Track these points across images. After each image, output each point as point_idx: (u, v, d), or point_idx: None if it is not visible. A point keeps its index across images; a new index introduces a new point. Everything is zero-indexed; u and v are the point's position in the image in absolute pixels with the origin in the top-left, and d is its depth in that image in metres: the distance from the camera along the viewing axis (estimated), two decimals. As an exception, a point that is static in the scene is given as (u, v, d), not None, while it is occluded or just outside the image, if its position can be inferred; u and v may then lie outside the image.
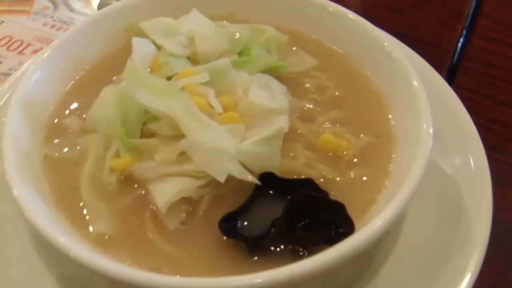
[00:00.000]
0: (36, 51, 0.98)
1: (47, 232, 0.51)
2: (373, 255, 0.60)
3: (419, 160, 0.55)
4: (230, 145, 0.56)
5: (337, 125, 0.65)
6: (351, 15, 0.73)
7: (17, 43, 0.99)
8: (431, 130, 0.57)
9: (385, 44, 0.67)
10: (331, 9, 0.75)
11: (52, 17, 1.04)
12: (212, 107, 0.61)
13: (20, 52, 0.98)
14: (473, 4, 1.06)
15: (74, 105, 0.68)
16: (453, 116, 0.70)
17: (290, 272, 0.47)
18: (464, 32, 1.02)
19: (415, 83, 0.61)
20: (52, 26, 1.02)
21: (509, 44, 1.01)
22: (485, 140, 0.69)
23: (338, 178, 0.60)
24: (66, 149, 0.63)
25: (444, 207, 0.64)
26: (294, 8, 0.76)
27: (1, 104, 0.73)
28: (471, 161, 0.66)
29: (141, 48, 0.65)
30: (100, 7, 0.98)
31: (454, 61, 0.96)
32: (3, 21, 1.03)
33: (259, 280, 0.47)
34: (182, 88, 0.61)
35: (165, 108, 0.57)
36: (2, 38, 1.00)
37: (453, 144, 0.69)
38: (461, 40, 1.00)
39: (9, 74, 0.93)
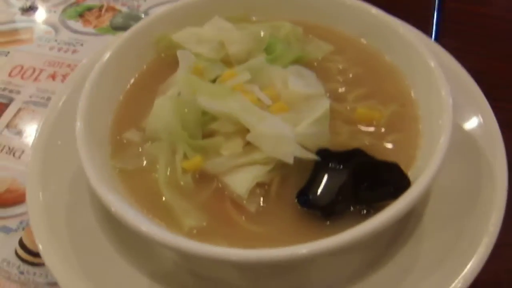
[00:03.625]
0: (50, 76, 1.02)
1: (154, 233, 0.58)
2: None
3: (445, 119, 0.65)
4: (289, 131, 0.64)
5: (365, 99, 0.75)
6: (353, 1, 0.82)
7: (30, 71, 1.03)
8: (450, 96, 0.67)
9: (396, 27, 0.77)
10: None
11: (56, 40, 1.08)
12: (261, 101, 0.69)
13: (35, 79, 1.02)
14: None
15: (128, 119, 0.74)
16: (455, 76, 0.80)
17: (372, 226, 0.56)
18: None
19: (432, 63, 0.71)
20: (59, 49, 1.07)
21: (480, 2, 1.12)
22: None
23: (379, 144, 0.70)
24: (134, 160, 0.70)
25: (465, 155, 0.74)
26: (300, 1, 0.85)
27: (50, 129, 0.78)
28: (480, 114, 0.77)
29: (185, 59, 0.72)
30: (113, 25, 1.03)
31: (434, 24, 1.07)
32: (9, 52, 1.07)
33: (345, 238, 0.56)
34: (232, 88, 0.69)
35: (226, 108, 0.65)
36: (14, 68, 1.04)
37: (460, 99, 0.79)
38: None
39: (32, 102, 0.98)
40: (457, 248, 0.65)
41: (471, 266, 0.63)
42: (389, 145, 0.70)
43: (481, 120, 0.77)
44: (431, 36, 1.05)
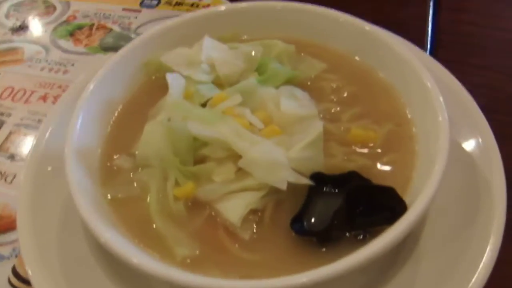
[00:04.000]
0: (41, 97, 1.01)
1: (145, 265, 0.57)
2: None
3: (442, 141, 0.64)
4: (282, 155, 0.63)
5: (359, 119, 0.73)
6: (347, 17, 0.81)
7: (21, 93, 1.02)
8: (447, 119, 0.66)
9: (391, 44, 0.75)
10: (325, 14, 0.82)
11: (46, 60, 1.07)
12: (252, 125, 0.68)
13: (26, 101, 1.01)
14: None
15: (119, 145, 0.73)
16: (451, 91, 0.79)
17: (370, 252, 0.55)
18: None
19: (428, 83, 0.69)
20: (50, 70, 1.05)
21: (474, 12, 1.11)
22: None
23: (374, 165, 0.69)
24: (125, 188, 0.69)
25: (462, 172, 0.73)
26: (291, 19, 0.84)
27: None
28: (476, 129, 0.75)
29: (174, 82, 0.71)
30: (103, 45, 1.02)
31: (429, 36, 1.06)
32: (-1, 73, 1.06)
33: (344, 265, 0.55)
34: (222, 112, 0.68)
35: (217, 134, 0.64)
36: (4, 90, 1.02)
37: (455, 115, 0.77)
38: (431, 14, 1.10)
39: (23, 125, 0.97)
40: (457, 269, 0.64)
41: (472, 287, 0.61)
42: (385, 167, 0.69)
43: (478, 136, 0.75)
44: (426, 49, 1.03)
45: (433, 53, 1.02)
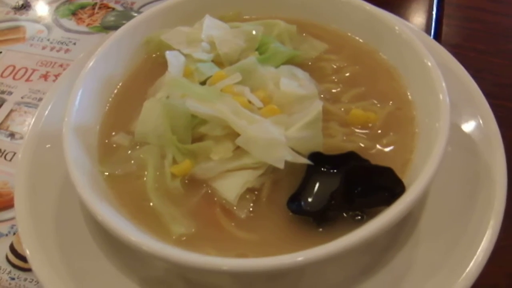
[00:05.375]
0: (43, 76, 1.01)
1: (142, 244, 0.56)
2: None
3: (442, 121, 0.63)
4: (280, 134, 0.63)
5: (360, 100, 0.73)
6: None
7: (22, 71, 1.02)
8: (447, 99, 0.65)
9: (392, 24, 0.74)
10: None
11: (48, 39, 1.07)
12: (251, 103, 0.67)
13: (27, 79, 1.01)
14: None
15: (117, 122, 0.73)
16: (454, 75, 0.78)
17: (366, 233, 0.54)
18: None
19: (429, 63, 0.69)
20: (52, 49, 1.05)
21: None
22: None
23: (373, 147, 0.68)
24: (123, 165, 0.68)
25: (463, 156, 0.72)
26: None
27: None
28: (478, 113, 0.74)
29: (174, 60, 0.70)
30: (104, 24, 1.02)
31: (434, 20, 1.04)
32: (0, 52, 1.05)
33: (340, 245, 0.54)
34: (221, 91, 0.67)
35: (215, 112, 0.63)
36: (6, 69, 1.02)
37: (458, 99, 0.77)
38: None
39: (24, 103, 0.97)
40: (455, 252, 0.63)
41: (469, 271, 0.61)
42: (385, 148, 0.68)
43: (480, 120, 0.74)
44: (430, 32, 1.02)
45: (437, 37, 1.01)
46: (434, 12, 1.06)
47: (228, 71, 0.71)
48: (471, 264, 0.61)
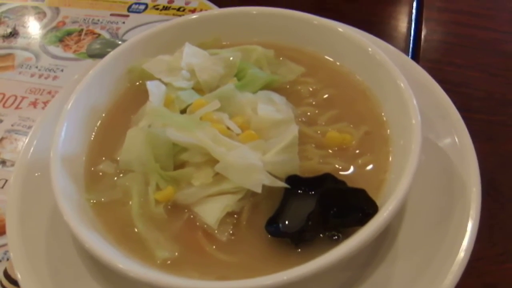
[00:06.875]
0: (32, 103, 1.03)
1: (128, 270, 0.59)
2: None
3: (414, 142, 0.65)
4: (257, 159, 0.65)
5: (336, 122, 0.75)
6: (321, 20, 0.83)
7: (12, 99, 1.04)
8: (419, 119, 0.67)
9: (365, 45, 0.77)
10: (298, 17, 0.84)
11: (37, 67, 1.09)
12: (230, 129, 0.70)
13: (17, 107, 1.03)
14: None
15: (103, 151, 0.75)
16: (428, 92, 0.81)
17: (342, 252, 0.57)
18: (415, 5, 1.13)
19: (402, 84, 0.71)
20: (40, 76, 1.08)
21: (455, 11, 1.13)
22: (456, 104, 0.79)
23: (349, 167, 0.71)
24: (109, 192, 0.71)
25: (438, 172, 0.75)
26: (268, 24, 0.86)
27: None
28: (453, 129, 0.77)
29: (155, 90, 0.73)
30: (89, 52, 1.04)
31: (412, 37, 1.07)
32: (-10, 80, 1.07)
33: (318, 265, 0.56)
34: (201, 118, 0.70)
35: (195, 140, 0.66)
36: (-5, 97, 1.05)
37: (433, 116, 0.79)
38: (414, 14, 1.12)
39: (14, 131, 0.99)
40: (432, 265, 0.66)
41: (447, 283, 0.63)
42: (360, 168, 0.70)
43: (454, 135, 0.77)
44: (409, 50, 1.05)
45: (415, 54, 1.04)
46: (412, 30, 1.09)
47: (208, 98, 0.73)
48: (449, 275, 0.63)
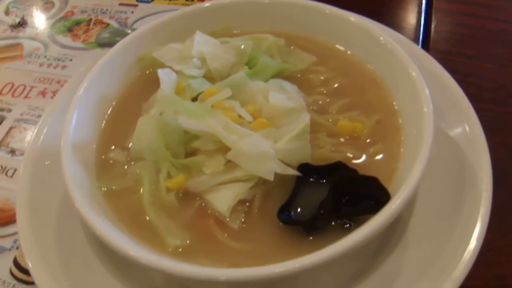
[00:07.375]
0: (41, 93, 1.03)
1: (139, 257, 0.59)
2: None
3: (426, 131, 0.65)
4: (269, 147, 0.65)
5: (348, 110, 0.75)
6: (333, 9, 0.82)
7: (21, 88, 1.04)
8: (431, 108, 0.67)
9: (377, 35, 0.76)
10: (310, 7, 0.84)
11: (45, 56, 1.09)
12: (241, 117, 0.69)
13: (26, 96, 1.03)
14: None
15: (113, 139, 0.75)
16: (439, 82, 0.80)
17: (354, 240, 0.57)
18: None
19: (414, 73, 0.71)
20: (49, 65, 1.08)
21: (465, 1, 1.12)
22: (466, 94, 0.79)
23: (361, 156, 0.70)
24: (120, 180, 0.71)
25: (449, 161, 0.74)
26: (280, 12, 0.85)
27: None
28: (464, 119, 0.76)
29: (166, 77, 0.73)
30: (99, 41, 1.04)
31: (421, 27, 1.07)
32: (-1, 70, 1.08)
33: (330, 253, 0.56)
34: (212, 106, 0.69)
35: (206, 127, 0.66)
36: (5, 86, 1.05)
37: (444, 106, 0.79)
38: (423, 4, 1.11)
39: (23, 120, 0.99)
40: (443, 254, 0.65)
41: (457, 273, 0.63)
42: (371, 157, 0.70)
43: (465, 125, 0.76)
44: (419, 40, 1.04)
45: (426, 44, 1.03)
46: (422, 20, 1.08)
47: (219, 86, 0.73)
48: (459, 265, 0.63)
